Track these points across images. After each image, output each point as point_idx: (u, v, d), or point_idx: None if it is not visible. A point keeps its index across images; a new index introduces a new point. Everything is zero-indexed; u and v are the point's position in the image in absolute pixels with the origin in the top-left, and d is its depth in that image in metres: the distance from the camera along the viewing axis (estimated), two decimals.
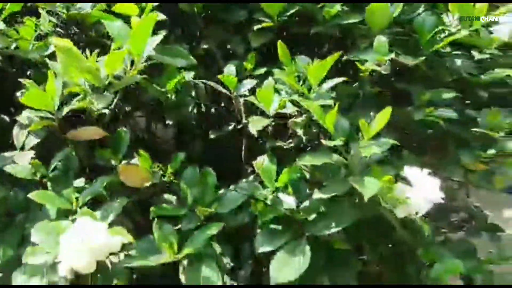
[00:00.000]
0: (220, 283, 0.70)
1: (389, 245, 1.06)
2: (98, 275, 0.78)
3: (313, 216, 0.82)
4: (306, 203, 0.82)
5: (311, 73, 0.77)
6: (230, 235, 0.89)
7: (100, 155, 0.86)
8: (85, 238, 0.65)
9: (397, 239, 1.01)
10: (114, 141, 0.87)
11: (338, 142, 0.73)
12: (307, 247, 0.77)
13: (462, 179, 1.04)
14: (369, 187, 0.71)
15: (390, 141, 0.80)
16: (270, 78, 0.82)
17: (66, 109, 0.69)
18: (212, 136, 0.93)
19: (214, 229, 0.75)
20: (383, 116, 0.73)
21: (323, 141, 0.74)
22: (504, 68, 1.00)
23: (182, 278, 0.72)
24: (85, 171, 0.87)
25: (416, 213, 0.82)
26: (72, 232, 0.65)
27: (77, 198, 0.78)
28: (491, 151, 0.96)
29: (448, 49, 1.02)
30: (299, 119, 0.81)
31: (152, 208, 0.77)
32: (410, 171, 0.84)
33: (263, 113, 0.84)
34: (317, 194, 0.78)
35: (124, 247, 0.72)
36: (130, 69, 0.73)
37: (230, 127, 0.94)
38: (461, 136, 0.99)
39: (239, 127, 0.95)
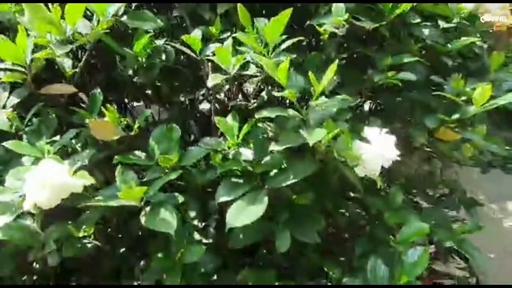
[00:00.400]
0: (175, 224, 0.74)
1: (356, 209, 1.10)
2: (69, 222, 0.84)
3: (274, 171, 0.86)
4: (267, 158, 0.87)
5: (268, 31, 0.82)
6: (198, 192, 0.94)
7: (77, 114, 0.92)
8: (47, 176, 0.70)
9: (366, 203, 1.04)
10: (89, 102, 0.93)
11: (287, 92, 0.76)
12: (266, 197, 0.81)
13: (428, 144, 1.07)
14: (315, 135, 0.75)
15: (344, 96, 0.83)
16: (229, 39, 0.87)
17: (31, 57, 0.75)
18: (182, 99, 0.98)
19: (173, 175, 0.79)
20: (330, 71, 0.77)
21: (275, 93, 0.78)
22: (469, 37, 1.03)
23: (142, 220, 0.77)
24: (62, 129, 0.94)
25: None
26: (36, 170, 0.71)
27: (49, 151, 0.83)
28: (455, 116, 0.99)
29: (417, 20, 1.06)
30: (259, 78, 0.86)
31: (116, 156, 0.82)
32: (369, 131, 0.88)
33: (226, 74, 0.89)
34: (273, 146, 0.82)
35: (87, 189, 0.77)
36: None
37: (202, 92, 0.99)
38: (426, 103, 1.02)
39: (210, 92, 1.00)
